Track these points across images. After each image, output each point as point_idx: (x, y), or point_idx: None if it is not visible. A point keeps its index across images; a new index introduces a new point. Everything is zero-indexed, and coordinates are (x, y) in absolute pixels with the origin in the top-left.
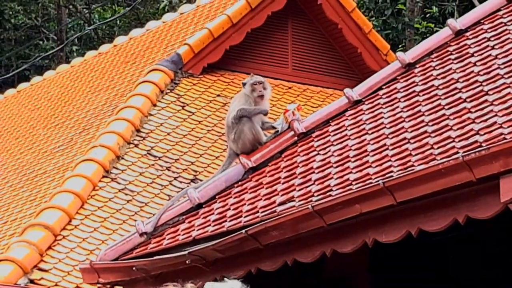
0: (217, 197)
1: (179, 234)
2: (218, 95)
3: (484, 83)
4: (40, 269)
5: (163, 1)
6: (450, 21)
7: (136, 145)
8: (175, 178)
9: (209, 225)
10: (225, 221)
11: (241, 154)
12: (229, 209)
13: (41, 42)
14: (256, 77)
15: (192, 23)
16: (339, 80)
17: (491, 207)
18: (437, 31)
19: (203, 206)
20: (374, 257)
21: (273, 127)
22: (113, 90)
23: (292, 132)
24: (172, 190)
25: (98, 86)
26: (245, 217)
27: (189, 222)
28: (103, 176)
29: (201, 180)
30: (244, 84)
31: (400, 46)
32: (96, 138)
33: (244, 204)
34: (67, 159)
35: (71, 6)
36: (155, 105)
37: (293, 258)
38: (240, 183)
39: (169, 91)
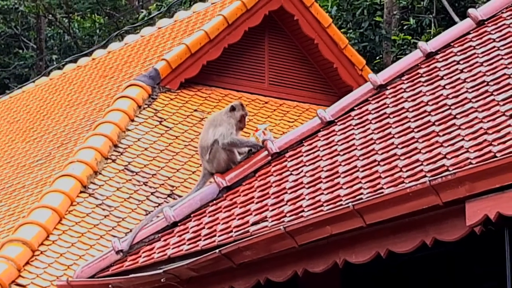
0: (192, 215)
1: (154, 252)
2: (195, 110)
3: (452, 107)
4: (18, 285)
5: (142, 12)
6: (420, 43)
7: (113, 160)
8: (152, 193)
9: (184, 243)
10: (200, 240)
11: (215, 173)
12: (203, 228)
13: (20, 51)
14: (245, 109)
15: (170, 37)
16: (315, 95)
17: (457, 230)
18: (414, 43)
19: (179, 224)
20: (346, 278)
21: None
22: (91, 104)
23: (266, 152)
24: (149, 205)
25: (76, 100)
26: (219, 236)
27: (165, 240)
28: (81, 192)
29: (178, 195)
30: (233, 109)
31: (377, 58)
32: (74, 153)
33: (219, 223)
34: (45, 173)
35: (50, 16)
36: (132, 120)
37: (266, 277)
38: (214, 202)
39: (146, 106)
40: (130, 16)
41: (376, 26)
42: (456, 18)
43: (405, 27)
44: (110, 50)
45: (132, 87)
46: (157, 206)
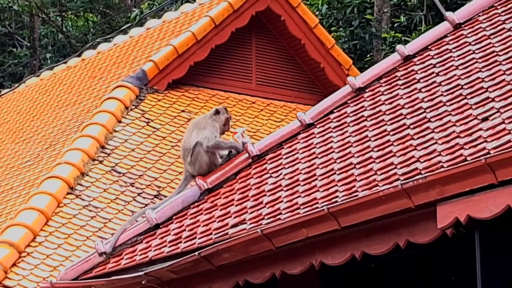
0: (174, 218)
1: (136, 254)
2: (183, 111)
3: (427, 110)
4: (5, 286)
5: (134, 11)
6: (399, 47)
7: (100, 162)
8: (138, 194)
9: (165, 246)
10: (180, 242)
11: (197, 176)
12: (184, 230)
13: (14, 50)
14: (229, 112)
15: (158, 38)
16: (302, 95)
17: (429, 232)
18: (405, 40)
19: (161, 226)
20: (325, 278)
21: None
22: (79, 105)
23: (247, 154)
24: (135, 206)
25: (65, 101)
26: (199, 238)
27: (147, 242)
28: (68, 193)
29: (164, 196)
30: (217, 112)
31: (368, 56)
32: (61, 155)
33: (199, 225)
34: (33, 175)
35: (43, 15)
36: (120, 122)
37: (245, 279)
38: (196, 204)
39: (134, 107)
40: (123, 14)
41: (366, 24)
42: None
43: (395, 25)
44: (100, 50)
45: (119, 88)
46: (144, 207)
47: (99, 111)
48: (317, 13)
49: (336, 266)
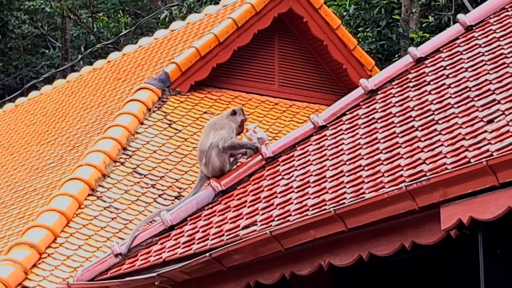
0: (188, 219)
1: (151, 256)
2: (205, 112)
3: (435, 112)
4: (24, 287)
5: (163, 12)
6: (411, 49)
7: (122, 163)
8: (159, 196)
9: (179, 247)
10: (194, 243)
11: (211, 178)
12: (198, 231)
13: (47, 51)
14: (245, 114)
15: (181, 40)
16: (325, 96)
17: (434, 233)
18: None
19: (175, 228)
20: (337, 278)
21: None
22: (103, 107)
23: (261, 156)
24: (156, 207)
25: (90, 103)
26: (211, 240)
27: (161, 243)
28: (89, 195)
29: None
30: (234, 113)
31: (396, 56)
32: (83, 156)
33: (212, 227)
34: (56, 176)
35: (75, 16)
36: (142, 123)
37: (255, 280)
38: (210, 205)
39: (156, 109)
40: (154, 16)
41: (394, 24)
42: None
43: (424, 25)
44: (125, 52)
45: (142, 90)
46: None
47: (122, 113)
48: (344, 13)
49: (347, 267)
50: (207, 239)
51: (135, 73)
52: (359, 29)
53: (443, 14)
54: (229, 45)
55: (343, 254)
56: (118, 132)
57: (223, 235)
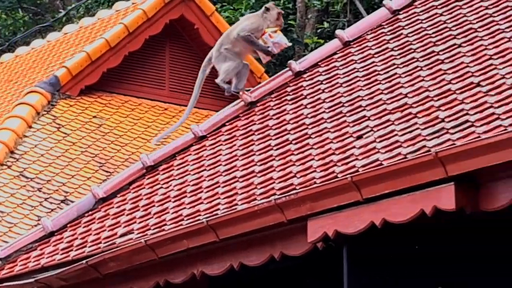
0: (68, 225)
1: (30, 261)
2: (94, 117)
3: (309, 126)
4: None
5: (60, 12)
6: (290, 62)
7: (9, 167)
8: (45, 199)
9: (58, 253)
10: (72, 250)
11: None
12: (77, 238)
13: None
14: (277, 8)
15: (73, 44)
16: (215, 101)
17: (301, 245)
18: None
19: (55, 234)
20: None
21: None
22: None
23: (141, 165)
24: (41, 211)
25: None
26: (89, 247)
27: (41, 249)
28: None
29: (71, 201)
30: (267, 9)
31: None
32: None
33: (91, 234)
34: None
35: None
36: (30, 127)
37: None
38: (90, 212)
39: (45, 112)
40: (52, 15)
41: (289, 29)
42: None
43: (319, 31)
44: (18, 54)
45: (32, 94)
46: (50, 212)
47: (10, 116)
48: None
49: (223, 276)
50: (85, 246)
51: (26, 75)
52: None
53: (339, 20)
54: (120, 50)
55: (215, 264)
56: (6, 136)
57: (100, 242)
